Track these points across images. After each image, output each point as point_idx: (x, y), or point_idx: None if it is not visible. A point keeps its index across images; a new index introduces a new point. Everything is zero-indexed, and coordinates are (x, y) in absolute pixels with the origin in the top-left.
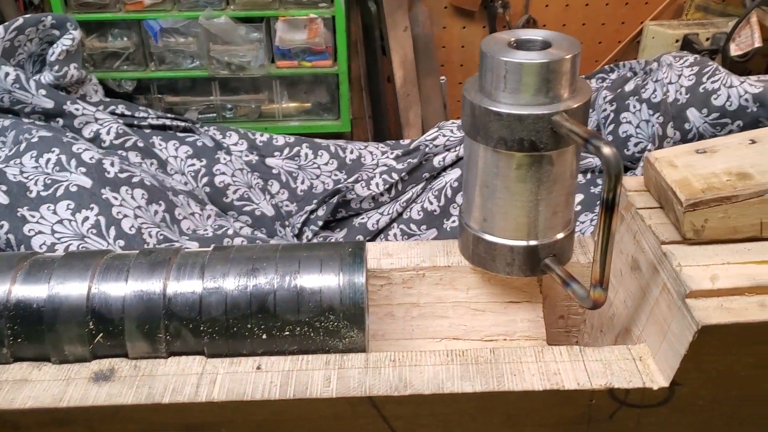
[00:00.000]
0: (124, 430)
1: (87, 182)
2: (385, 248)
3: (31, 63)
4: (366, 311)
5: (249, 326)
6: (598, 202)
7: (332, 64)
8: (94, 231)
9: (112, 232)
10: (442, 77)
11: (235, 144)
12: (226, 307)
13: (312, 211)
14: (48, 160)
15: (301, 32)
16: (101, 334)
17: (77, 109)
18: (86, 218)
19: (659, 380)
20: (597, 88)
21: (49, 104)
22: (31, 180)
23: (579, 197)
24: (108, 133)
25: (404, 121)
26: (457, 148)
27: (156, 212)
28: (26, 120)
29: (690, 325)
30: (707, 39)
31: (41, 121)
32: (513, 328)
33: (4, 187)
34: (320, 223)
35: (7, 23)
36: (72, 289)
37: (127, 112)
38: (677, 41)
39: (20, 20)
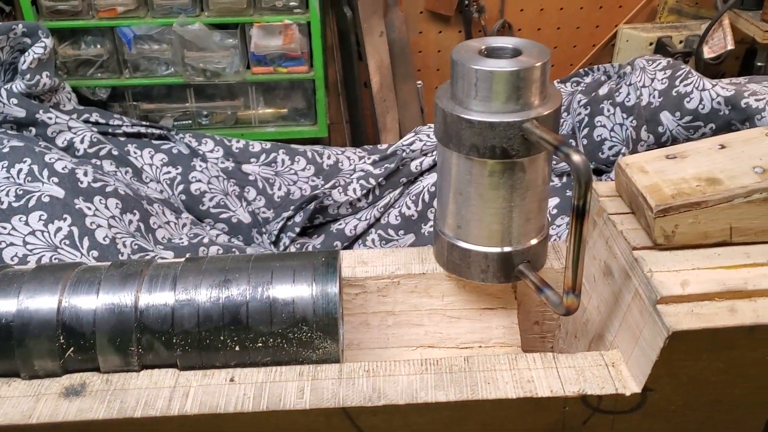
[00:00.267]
0: None
1: (60, 192)
2: (359, 256)
3: (2, 72)
4: (339, 322)
5: (222, 338)
6: None
7: (308, 69)
8: (67, 242)
9: (86, 242)
10: (419, 82)
11: (211, 151)
12: (199, 319)
13: (289, 218)
14: (20, 170)
15: (276, 38)
16: (72, 349)
17: (50, 118)
18: (59, 229)
19: (631, 386)
20: (572, 92)
21: (21, 113)
22: (2, 191)
23: (555, 201)
24: (82, 141)
25: (381, 126)
26: (434, 153)
27: (130, 222)
28: None
29: (661, 331)
30: (681, 42)
31: (13, 131)
32: (488, 335)
33: None
34: (297, 229)
35: None
36: (42, 302)
37: (101, 120)
38: (651, 44)
39: None
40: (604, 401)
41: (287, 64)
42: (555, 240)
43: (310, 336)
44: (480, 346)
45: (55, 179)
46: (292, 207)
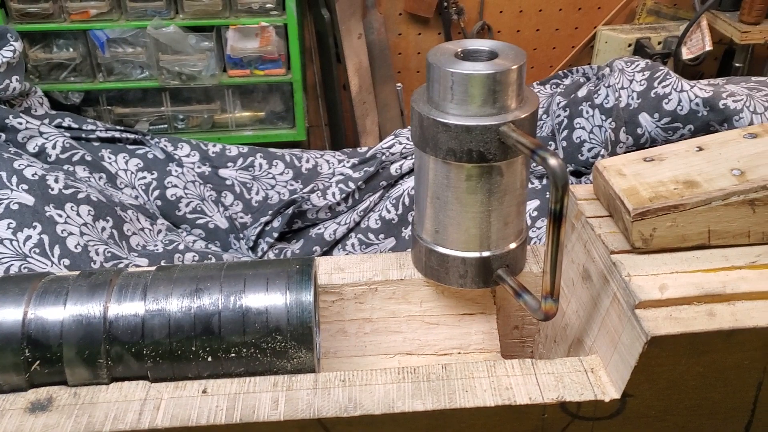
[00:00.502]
0: None
1: (29, 200)
2: (336, 263)
3: None
4: (315, 330)
5: (194, 349)
6: None
7: (285, 72)
8: (37, 250)
9: (57, 251)
10: (399, 84)
11: (187, 155)
12: (170, 330)
13: (267, 223)
14: None
15: (252, 41)
16: (38, 362)
17: (20, 123)
18: (29, 237)
19: (611, 392)
20: (551, 94)
21: None
22: None
23: (535, 203)
24: (54, 147)
25: (361, 128)
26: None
27: (103, 229)
28: None
29: (639, 336)
30: (659, 43)
31: None
32: (467, 341)
33: None
34: (275, 234)
35: None
36: (6, 314)
37: (74, 125)
38: (630, 45)
39: None
40: (583, 408)
41: (264, 66)
42: (535, 243)
43: (284, 346)
44: (459, 353)
45: (25, 186)
46: (270, 212)
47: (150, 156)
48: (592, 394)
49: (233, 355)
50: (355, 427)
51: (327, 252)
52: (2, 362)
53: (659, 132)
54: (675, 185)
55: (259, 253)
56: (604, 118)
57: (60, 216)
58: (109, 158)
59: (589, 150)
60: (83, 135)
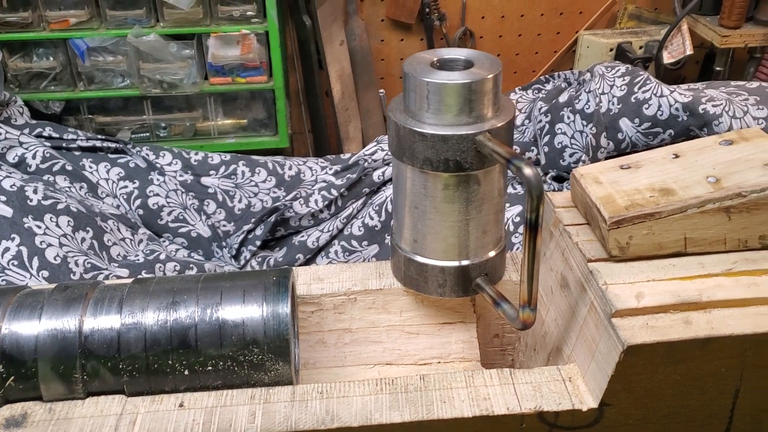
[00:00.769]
0: None
1: (7, 211)
2: (315, 273)
3: None
4: (292, 342)
5: (170, 362)
6: None
7: (267, 79)
8: (16, 262)
9: (35, 262)
10: (381, 90)
11: (169, 164)
12: (146, 343)
13: (249, 231)
14: None
15: (234, 48)
16: (12, 377)
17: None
18: (6, 249)
19: (588, 401)
20: (533, 99)
21: None
22: None
23: (518, 209)
24: (34, 157)
25: (344, 135)
26: None
27: (83, 239)
28: None
29: (616, 345)
30: (641, 47)
31: None
32: (447, 350)
33: None
34: (258, 242)
35: None
36: None
37: (54, 135)
38: (611, 50)
39: None
40: (561, 417)
41: (246, 74)
42: (518, 249)
43: (261, 358)
44: (439, 362)
45: (3, 197)
46: (252, 220)
47: (131, 165)
48: (569, 404)
49: (210, 368)
50: None
51: (310, 259)
52: None
53: (640, 137)
54: (651, 193)
55: (242, 262)
56: (585, 123)
57: (39, 227)
58: (90, 167)
59: (571, 155)
60: (64, 144)
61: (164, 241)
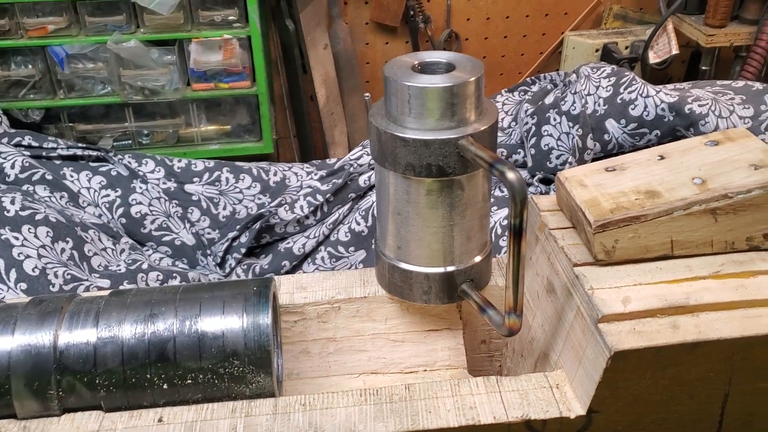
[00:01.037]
0: None
1: None
2: (298, 281)
3: None
4: (274, 354)
5: (148, 376)
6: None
7: (250, 84)
8: None
9: (13, 275)
10: (367, 94)
11: (152, 171)
12: (123, 357)
13: (234, 238)
14: None
15: (216, 53)
16: None
17: None
18: None
19: (576, 408)
20: (519, 101)
21: None
22: None
23: (505, 212)
24: (12, 167)
25: (329, 139)
26: None
27: (63, 250)
28: None
29: (603, 351)
30: (626, 47)
31: None
32: (433, 358)
33: None
34: (243, 250)
35: None
36: None
37: (34, 144)
38: (597, 51)
39: None
40: (548, 425)
41: (228, 79)
42: (506, 252)
43: (242, 370)
44: (425, 370)
45: None
46: (237, 227)
47: (113, 173)
48: (557, 411)
49: (190, 381)
50: None
51: (297, 266)
52: None
53: (626, 138)
54: (636, 196)
55: (227, 270)
56: (571, 124)
57: (16, 239)
58: (71, 176)
59: (558, 157)
60: (44, 153)
61: (147, 250)
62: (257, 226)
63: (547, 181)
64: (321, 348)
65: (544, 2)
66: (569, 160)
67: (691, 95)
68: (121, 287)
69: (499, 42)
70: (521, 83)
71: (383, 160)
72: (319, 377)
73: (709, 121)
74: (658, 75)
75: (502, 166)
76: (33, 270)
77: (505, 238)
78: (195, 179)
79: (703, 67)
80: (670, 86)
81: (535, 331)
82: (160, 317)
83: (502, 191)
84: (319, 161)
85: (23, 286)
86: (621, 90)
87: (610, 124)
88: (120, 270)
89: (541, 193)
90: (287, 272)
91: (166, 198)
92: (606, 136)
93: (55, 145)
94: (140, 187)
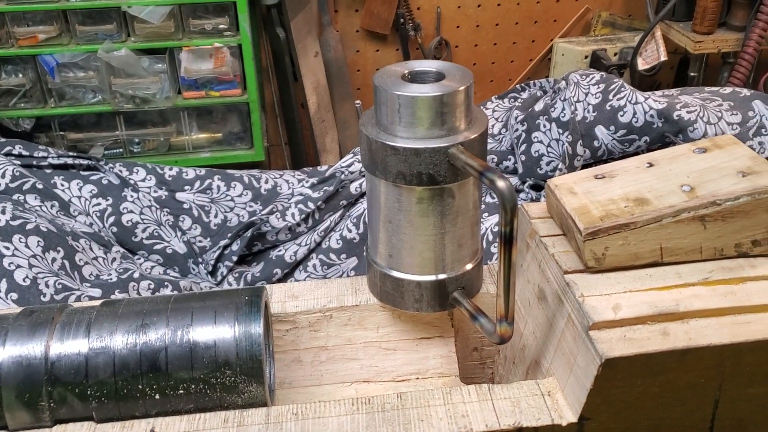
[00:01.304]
0: None
1: None
2: (290, 290)
3: None
4: (266, 363)
5: (140, 387)
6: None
7: (241, 92)
8: None
9: (4, 285)
10: (358, 101)
11: (143, 180)
12: (115, 368)
13: (226, 246)
14: None
15: (206, 62)
16: None
17: None
18: None
19: (568, 415)
20: (509, 108)
21: None
22: None
23: (497, 218)
24: (3, 176)
25: (321, 146)
26: None
27: (54, 260)
28: None
29: (594, 358)
30: (615, 54)
31: None
32: (425, 366)
33: None
34: (235, 258)
35: None
36: None
37: (24, 152)
38: (586, 57)
39: None
40: None
41: (219, 87)
42: (496, 260)
43: (234, 380)
44: (417, 378)
45: None
46: (228, 235)
47: (104, 182)
48: (549, 419)
49: (181, 391)
50: None
51: (288, 274)
52: None
53: (615, 144)
54: (626, 203)
55: (219, 278)
56: (561, 131)
57: (7, 249)
58: (62, 185)
59: (548, 164)
60: (34, 162)
61: (139, 259)
62: (249, 234)
63: (537, 188)
64: (313, 357)
65: (533, 10)
66: (559, 166)
67: (680, 102)
68: (112, 296)
69: (488, 49)
70: (511, 90)
71: (374, 169)
72: (311, 386)
73: (698, 127)
74: (646, 81)
75: (492, 174)
76: (24, 280)
77: (496, 245)
78: (186, 187)
79: (692, 74)
80: (659, 93)
81: (527, 338)
82: (151, 327)
83: (493, 198)
84: (311, 169)
85: (14, 296)
86: (610, 97)
87: (600, 131)
88: (111, 279)
89: (532, 200)
90: (279, 280)
91: (158, 206)
92: (596, 143)
93: (45, 154)
94: (131, 196)
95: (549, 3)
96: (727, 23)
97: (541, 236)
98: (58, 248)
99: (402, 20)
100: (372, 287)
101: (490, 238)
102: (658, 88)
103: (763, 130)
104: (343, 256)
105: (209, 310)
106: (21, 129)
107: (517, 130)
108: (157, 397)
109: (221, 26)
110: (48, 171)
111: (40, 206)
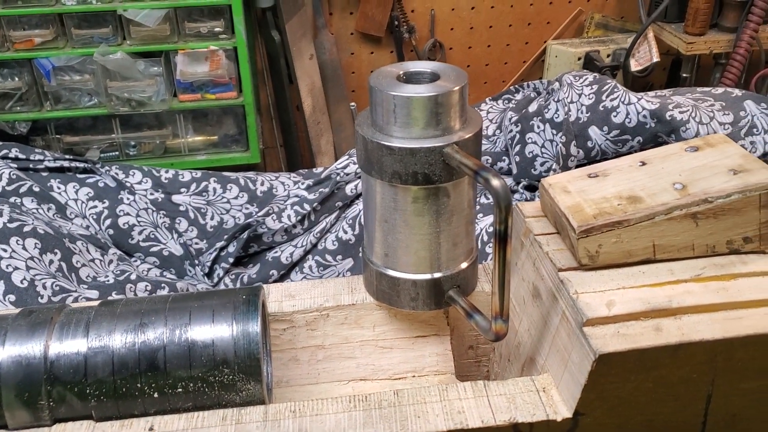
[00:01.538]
0: None
1: None
2: (286, 289)
3: None
4: (263, 361)
5: (139, 385)
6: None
7: (237, 95)
8: None
9: (1, 286)
10: (352, 103)
11: (139, 182)
12: (114, 367)
13: (222, 248)
14: None
15: (202, 64)
16: None
17: None
18: None
19: (562, 411)
20: (503, 109)
21: None
22: None
23: (491, 219)
24: None
25: (316, 149)
26: None
27: (51, 262)
28: None
29: (588, 354)
30: (608, 55)
31: None
32: (421, 364)
33: None
34: (231, 260)
35: None
36: None
37: (21, 156)
38: (579, 59)
39: None
40: (535, 428)
41: (215, 90)
42: (491, 259)
43: (232, 378)
44: (413, 376)
45: None
46: (225, 237)
47: (101, 184)
48: (544, 414)
49: (180, 390)
50: None
51: (284, 275)
52: None
53: (609, 144)
54: (619, 201)
55: (215, 280)
56: (554, 132)
57: (5, 251)
58: (59, 188)
59: (542, 164)
60: (31, 165)
61: (135, 261)
62: (245, 235)
63: (531, 188)
64: (310, 355)
65: (526, 12)
66: (553, 167)
67: (672, 102)
68: (109, 298)
69: (482, 51)
70: (505, 91)
71: (370, 169)
72: (309, 384)
73: (690, 127)
74: (639, 82)
75: (487, 173)
76: (21, 282)
77: (491, 244)
78: (182, 190)
79: (684, 75)
80: (652, 93)
81: (522, 335)
82: (150, 326)
83: (488, 198)
84: (306, 170)
85: (12, 298)
86: (603, 97)
87: (593, 131)
88: (108, 281)
89: (526, 200)
90: (275, 281)
91: (154, 209)
92: (589, 143)
93: (42, 157)
94: (128, 198)
95: (542, 5)
96: (718, 24)
97: (536, 235)
98: (56, 250)
99: (396, 23)
100: (368, 286)
101: (485, 238)
102: (650, 89)
103: (754, 130)
104: (339, 257)
105: (207, 310)
106: (17, 132)
107: (511, 131)
108: (155, 395)
109: (216, 29)
110: (44, 174)
111: (37, 209)
